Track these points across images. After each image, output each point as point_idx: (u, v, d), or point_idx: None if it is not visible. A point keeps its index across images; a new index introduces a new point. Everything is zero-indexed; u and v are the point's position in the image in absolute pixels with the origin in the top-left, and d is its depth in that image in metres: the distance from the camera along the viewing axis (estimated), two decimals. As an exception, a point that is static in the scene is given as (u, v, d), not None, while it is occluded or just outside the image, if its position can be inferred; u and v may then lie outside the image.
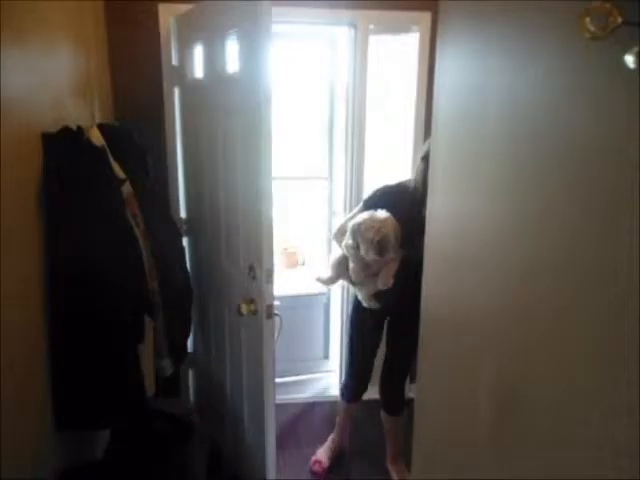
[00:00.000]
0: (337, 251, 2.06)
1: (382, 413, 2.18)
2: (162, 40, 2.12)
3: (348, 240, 1.88)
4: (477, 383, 0.95)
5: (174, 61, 2.14)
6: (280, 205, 2.80)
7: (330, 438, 2.35)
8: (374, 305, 1.97)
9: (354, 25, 2.27)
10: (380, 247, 1.78)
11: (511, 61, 0.80)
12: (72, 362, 1.57)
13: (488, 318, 0.91)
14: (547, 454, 0.75)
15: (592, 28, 0.59)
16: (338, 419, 2.32)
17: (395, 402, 2.13)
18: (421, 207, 1.79)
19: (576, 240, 0.67)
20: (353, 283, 2.01)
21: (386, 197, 1.93)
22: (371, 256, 1.81)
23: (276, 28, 2.07)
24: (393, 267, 1.88)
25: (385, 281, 1.87)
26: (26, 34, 1.44)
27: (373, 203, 1.92)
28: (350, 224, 1.87)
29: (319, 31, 2.50)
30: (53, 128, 1.54)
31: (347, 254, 1.94)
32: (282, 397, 2.69)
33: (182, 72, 2.11)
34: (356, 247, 1.85)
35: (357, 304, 2.07)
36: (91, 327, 1.58)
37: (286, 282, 2.80)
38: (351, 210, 2.23)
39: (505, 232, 0.85)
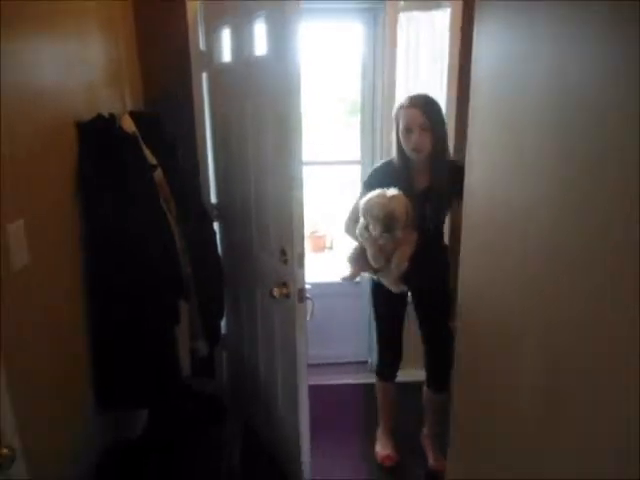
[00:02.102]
0: (351, 245, 2.07)
1: (424, 389, 2.18)
2: (189, 25, 2.12)
3: (361, 221, 1.87)
4: (520, 372, 0.93)
5: (202, 46, 2.14)
6: (309, 189, 2.79)
7: (380, 429, 2.33)
8: (403, 289, 1.97)
9: (383, 2, 2.21)
10: (387, 223, 1.77)
11: (560, 29, 0.76)
12: (111, 345, 1.61)
13: (532, 304, 0.89)
14: (592, 448, 0.73)
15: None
16: (379, 403, 2.31)
17: (440, 377, 2.10)
18: (411, 181, 1.89)
19: (630, 223, 0.63)
20: (375, 272, 2.00)
21: (384, 176, 1.94)
22: (379, 233, 1.80)
23: (305, 5, 2.06)
24: (407, 250, 1.87)
25: (399, 263, 1.87)
26: (58, 24, 1.46)
27: (374, 183, 1.92)
28: (361, 203, 1.86)
29: (349, 8, 2.44)
30: (87, 116, 1.57)
31: (361, 239, 1.93)
32: (316, 380, 2.72)
33: (210, 57, 2.11)
34: (367, 227, 1.85)
35: (375, 286, 2.09)
36: (128, 310, 1.62)
37: (313, 266, 2.80)
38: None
39: (551, 212, 0.82)
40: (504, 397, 1.01)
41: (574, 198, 0.75)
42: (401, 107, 1.89)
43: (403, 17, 2.25)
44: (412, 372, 2.31)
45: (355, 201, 2.01)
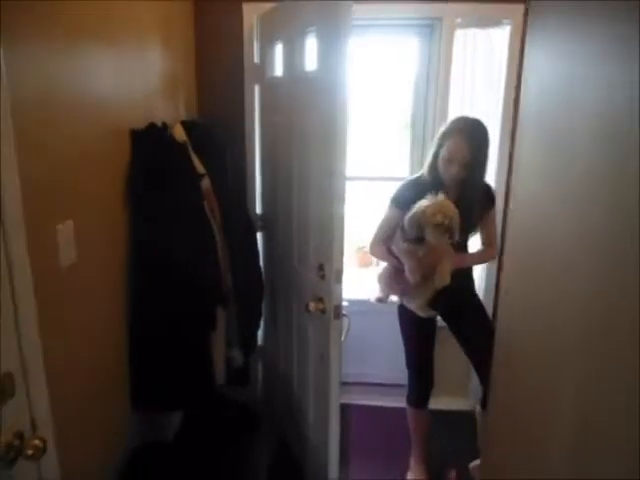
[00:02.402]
0: (379, 266, 2.06)
1: (479, 412, 2.14)
2: (245, 38, 2.17)
3: (408, 233, 1.83)
4: (557, 398, 0.87)
5: (256, 59, 2.18)
6: (357, 204, 2.77)
7: (412, 458, 2.25)
8: (430, 314, 1.96)
9: (440, 18, 2.18)
10: (449, 229, 1.76)
11: (608, 51, 0.72)
12: (148, 347, 1.65)
13: (572, 328, 0.83)
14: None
15: None
16: (412, 431, 2.23)
17: None
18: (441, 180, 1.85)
19: None
20: (403, 295, 2.01)
21: (414, 191, 1.89)
22: (442, 241, 1.78)
23: (360, 21, 2.07)
24: (448, 264, 1.85)
25: (443, 278, 1.84)
26: (118, 36, 1.53)
27: (403, 199, 1.89)
28: (410, 214, 1.81)
29: (405, 24, 2.42)
30: (142, 125, 1.63)
31: (400, 252, 1.90)
32: (352, 399, 2.68)
33: (263, 70, 2.15)
34: (417, 239, 1.81)
35: (402, 310, 2.07)
36: (167, 315, 1.66)
37: (358, 282, 2.77)
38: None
39: (596, 239, 0.76)
40: (539, 428, 0.94)
41: (624, 230, 0.70)
42: (449, 132, 1.83)
43: (460, 34, 2.21)
44: (446, 400, 2.23)
45: (382, 220, 1.98)
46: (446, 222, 1.74)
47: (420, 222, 1.79)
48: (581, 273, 0.81)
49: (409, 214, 1.82)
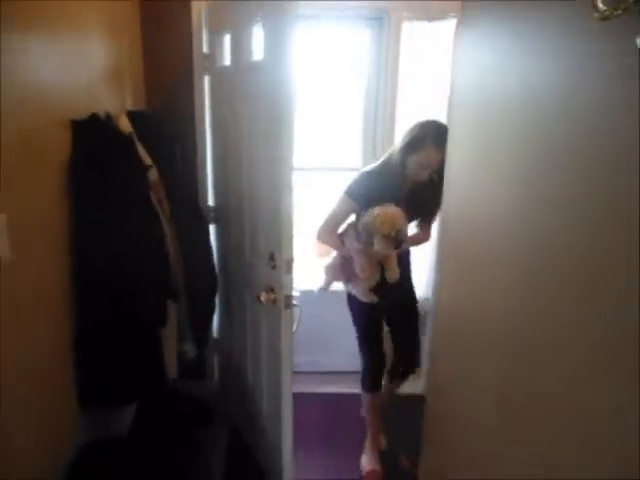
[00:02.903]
0: (327, 255, 2.14)
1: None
2: (194, 28, 2.14)
3: (362, 236, 1.88)
4: (482, 381, 0.91)
5: (205, 49, 2.15)
6: (314, 195, 2.79)
7: (367, 443, 2.30)
8: (373, 299, 2.04)
9: (387, 10, 2.21)
10: (397, 240, 1.82)
11: (524, 44, 0.75)
12: (96, 342, 1.61)
13: (495, 315, 0.87)
14: (547, 451, 0.71)
15: (603, 7, 0.54)
16: (366, 416, 2.29)
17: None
18: (406, 184, 1.94)
19: (592, 234, 0.61)
20: (347, 282, 2.10)
21: (370, 184, 1.94)
22: (388, 250, 1.86)
23: (311, 11, 2.07)
24: (394, 259, 1.96)
25: (393, 274, 1.96)
26: (59, 23, 1.48)
27: (358, 192, 1.94)
28: (363, 221, 1.87)
29: (355, 15, 2.44)
30: (83, 115, 1.58)
31: (353, 251, 1.97)
32: (308, 388, 2.71)
33: (212, 60, 2.12)
34: (369, 243, 1.87)
35: (351, 298, 2.16)
36: (114, 308, 1.63)
37: (317, 273, 2.78)
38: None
39: (520, 225, 0.80)
40: (469, 405, 0.98)
41: (538, 212, 0.73)
42: (424, 139, 1.84)
43: (408, 26, 2.24)
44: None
45: (334, 209, 2.01)
46: (393, 234, 1.80)
47: (369, 231, 1.85)
48: (503, 257, 0.84)
49: (362, 221, 1.87)
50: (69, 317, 1.57)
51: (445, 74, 2.33)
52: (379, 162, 2.02)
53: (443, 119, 2.30)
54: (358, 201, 1.93)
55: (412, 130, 1.89)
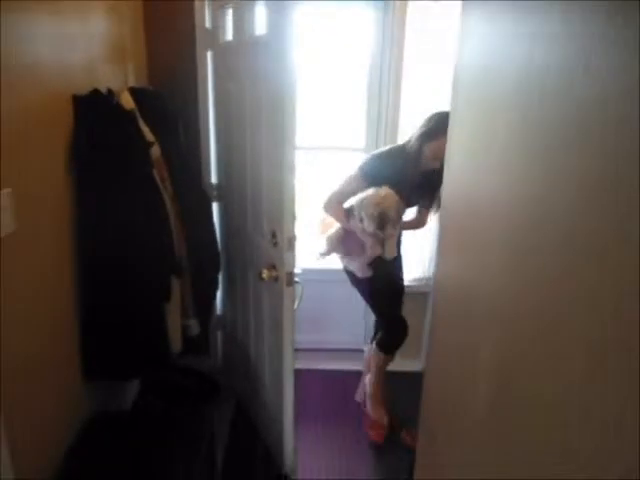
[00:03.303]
0: (331, 225, 2.18)
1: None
2: (196, 2, 2.11)
3: (356, 215, 1.97)
4: (478, 363, 0.92)
5: (207, 24, 2.13)
6: (318, 174, 2.78)
7: (373, 398, 2.35)
8: (367, 274, 2.12)
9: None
10: (379, 221, 1.90)
11: (530, 24, 0.74)
12: (100, 316, 1.65)
13: (492, 298, 0.88)
14: (540, 441, 0.72)
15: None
16: (377, 375, 2.33)
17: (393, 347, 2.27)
18: (417, 170, 1.99)
19: (594, 214, 0.61)
20: (346, 256, 2.17)
21: (382, 164, 2.01)
22: (372, 229, 1.93)
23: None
24: (393, 241, 2.06)
25: (391, 251, 2.04)
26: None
27: (369, 169, 2.01)
28: (355, 199, 1.96)
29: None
30: (84, 91, 1.58)
31: (362, 233, 2.03)
32: (310, 365, 2.75)
33: (215, 35, 2.10)
34: (360, 222, 1.97)
35: (349, 273, 2.22)
36: (118, 284, 1.65)
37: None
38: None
39: (521, 204, 0.80)
40: (464, 390, 1.00)
41: (536, 192, 0.74)
42: (434, 132, 1.90)
43: (413, 5, 2.20)
44: (398, 361, 2.33)
45: (344, 182, 2.07)
46: (375, 214, 1.89)
47: (359, 210, 1.94)
48: (503, 237, 0.85)
49: (356, 200, 1.96)
50: (74, 291, 1.59)
51: (451, 54, 2.29)
52: (396, 145, 2.10)
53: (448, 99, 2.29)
54: (367, 180, 2.00)
55: (429, 119, 1.97)
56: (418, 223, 2.23)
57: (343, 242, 2.11)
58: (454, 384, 1.09)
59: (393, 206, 1.91)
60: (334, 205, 2.07)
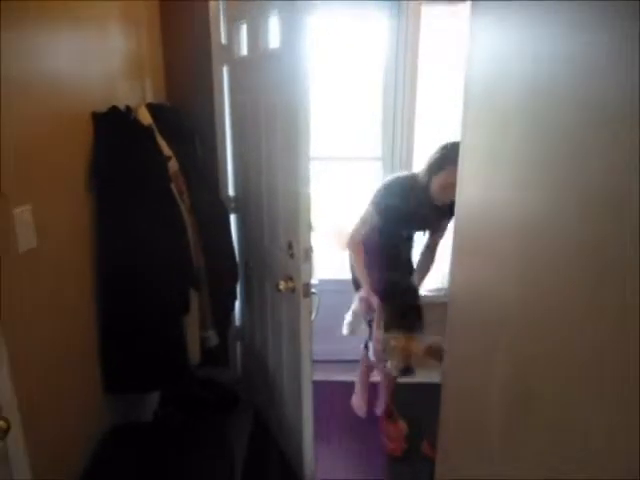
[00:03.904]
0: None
1: None
2: (211, 19, 2.15)
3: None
4: (493, 375, 0.90)
5: (223, 39, 2.16)
6: (334, 185, 2.79)
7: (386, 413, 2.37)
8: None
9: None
10: (404, 372, 2.12)
11: (540, 27, 0.73)
12: (120, 329, 1.67)
13: (506, 309, 0.86)
14: (554, 451, 0.70)
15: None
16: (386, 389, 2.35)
17: None
18: (428, 202, 1.97)
19: (609, 222, 0.59)
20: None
21: (392, 193, 2.00)
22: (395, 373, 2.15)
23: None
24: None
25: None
26: (79, 16, 1.51)
27: (381, 202, 2.01)
28: (381, 338, 2.06)
29: (370, 5, 2.41)
30: (103, 108, 1.62)
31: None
32: (327, 376, 2.73)
33: (230, 50, 2.13)
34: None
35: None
36: (137, 298, 1.68)
37: (339, 263, 2.79)
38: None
39: (535, 213, 0.79)
40: (479, 403, 0.98)
41: (546, 198, 0.72)
42: (444, 161, 1.86)
43: (427, 9, 2.20)
44: (424, 372, 2.29)
45: (360, 219, 2.06)
46: (401, 365, 2.06)
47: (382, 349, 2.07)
48: (517, 246, 0.83)
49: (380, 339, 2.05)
50: (94, 305, 1.62)
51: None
52: (405, 175, 2.08)
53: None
54: (381, 214, 2.00)
55: (435, 152, 1.95)
56: (429, 262, 2.24)
57: (366, 312, 2.13)
58: (469, 397, 1.07)
59: (419, 347, 2.00)
60: (356, 247, 2.07)
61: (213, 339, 2.15)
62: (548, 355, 0.73)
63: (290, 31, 1.57)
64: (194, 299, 1.95)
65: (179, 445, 1.76)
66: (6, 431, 1.06)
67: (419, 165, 2.12)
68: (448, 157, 1.85)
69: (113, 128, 1.63)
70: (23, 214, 1.23)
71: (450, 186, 1.76)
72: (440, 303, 2.51)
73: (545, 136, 0.73)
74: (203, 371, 2.18)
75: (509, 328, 0.85)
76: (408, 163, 2.41)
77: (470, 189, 1.04)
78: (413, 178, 2.02)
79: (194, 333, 2.01)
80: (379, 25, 2.41)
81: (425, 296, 2.28)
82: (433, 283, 2.58)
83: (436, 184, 1.92)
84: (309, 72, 1.54)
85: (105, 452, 1.59)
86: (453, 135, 2.34)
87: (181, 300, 1.84)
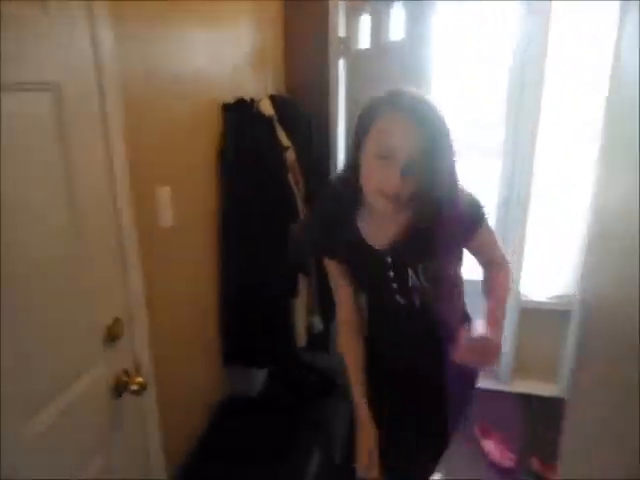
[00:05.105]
0: None
1: None
2: (330, 12, 2.17)
3: None
4: (630, 398, 0.83)
5: (341, 32, 2.19)
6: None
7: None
8: None
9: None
10: None
11: None
12: (236, 308, 1.78)
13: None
14: None
15: None
16: None
17: None
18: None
19: None
20: None
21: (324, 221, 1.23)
22: None
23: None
24: None
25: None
26: (213, 17, 1.62)
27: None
28: None
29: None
30: (231, 99, 1.72)
31: None
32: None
33: (348, 43, 2.15)
34: None
35: None
36: (253, 279, 1.77)
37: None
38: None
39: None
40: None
41: None
42: (379, 105, 1.01)
43: (558, 5, 2.03)
44: (532, 384, 2.17)
45: None
46: None
47: None
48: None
49: None
50: (217, 282, 1.74)
51: (600, 57, 2.07)
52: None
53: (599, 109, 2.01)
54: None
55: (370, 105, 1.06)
56: (505, 279, 1.19)
57: None
58: (600, 419, 1.00)
59: None
60: None
61: (317, 325, 2.21)
62: None
63: (415, 20, 1.55)
64: (303, 284, 2.02)
65: (282, 423, 1.84)
66: (144, 388, 1.19)
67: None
68: (382, 102, 1.00)
69: (239, 118, 1.73)
70: (163, 195, 1.35)
71: (390, 152, 0.96)
72: (561, 311, 2.33)
73: None
74: (305, 355, 2.25)
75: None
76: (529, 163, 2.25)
77: (615, 188, 0.96)
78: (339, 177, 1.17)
79: (301, 317, 2.08)
80: (508, 17, 2.28)
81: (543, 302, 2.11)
82: (554, 289, 2.39)
83: (366, 155, 1.01)
84: (434, 65, 1.51)
85: (221, 420, 1.72)
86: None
87: (291, 284, 1.92)
